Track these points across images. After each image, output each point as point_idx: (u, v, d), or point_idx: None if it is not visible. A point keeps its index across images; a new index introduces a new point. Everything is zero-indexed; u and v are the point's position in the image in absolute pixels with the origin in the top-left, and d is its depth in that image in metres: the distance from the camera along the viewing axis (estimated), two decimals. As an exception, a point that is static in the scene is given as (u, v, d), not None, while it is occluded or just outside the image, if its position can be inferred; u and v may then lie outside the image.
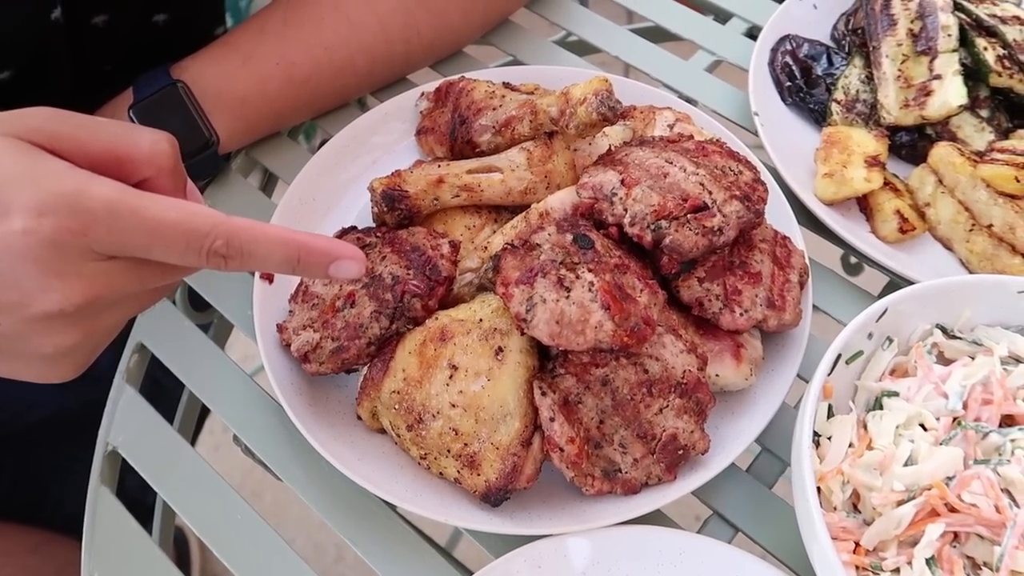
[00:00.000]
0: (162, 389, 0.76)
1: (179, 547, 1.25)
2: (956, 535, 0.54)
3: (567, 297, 0.55)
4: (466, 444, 0.58)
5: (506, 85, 0.77)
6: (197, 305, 0.78)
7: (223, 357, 0.71)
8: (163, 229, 0.46)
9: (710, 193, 0.61)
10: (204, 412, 0.86)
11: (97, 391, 0.81)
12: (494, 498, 0.57)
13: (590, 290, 0.56)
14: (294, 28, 0.78)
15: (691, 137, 0.68)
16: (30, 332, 0.47)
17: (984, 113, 0.76)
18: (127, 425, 0.68)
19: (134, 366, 0.71)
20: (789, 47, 0.83)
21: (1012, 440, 0.57)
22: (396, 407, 0.60)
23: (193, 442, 0.81)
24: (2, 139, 0.46)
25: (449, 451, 0.58)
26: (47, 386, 0.93)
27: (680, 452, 0.59)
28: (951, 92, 0.74)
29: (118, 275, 0.47)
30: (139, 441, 0.67)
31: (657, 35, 0.95)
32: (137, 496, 0.70)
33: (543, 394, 0.56)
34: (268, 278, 0.68)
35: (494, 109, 0.70)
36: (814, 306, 0.69)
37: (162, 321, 0.73)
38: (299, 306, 0.65)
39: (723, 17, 0.94)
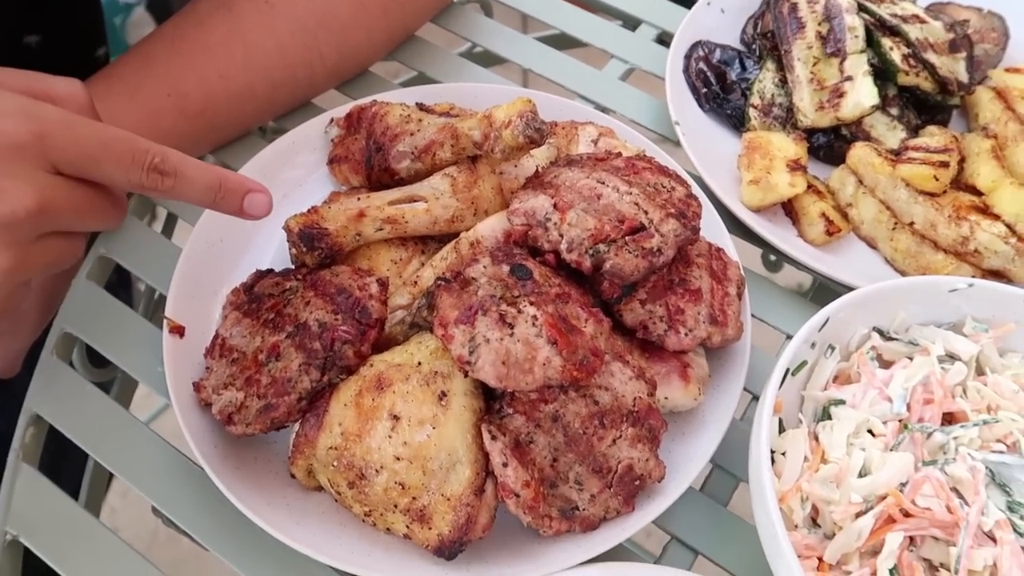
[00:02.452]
0: (61, 449, 0.69)
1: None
2: (912, 539, 0.55)
3: (511, 335, 0.52)
4: (414, 498, 0.54)
5: (420, 107, 0.74)
6: (96, 362, 0.71)
7: (134, 422, 0.65)
8: (111, 142, 0.50)
9: (646, 213, 0.59)
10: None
11: None
12: (448, 552, 0.54)
13: (534, 324, 0.53)
14: (184, 55, 0.72)
15: (619, 154, 0.66)
16: None
17: (894, 111, 0.78)
18: (27, 509, 0.61)
19: (30, 440, 0.64)
20: (702, 53, 0.83)
21: (955, 438, 0.57)
22: (335, 464, 0.55)
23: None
24: None
25: (396, 506, 0.54)
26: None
27: (637, 482, 0.57)
28: (863, 93, 0.75)
29: (64, 191, 0.49)
30: (42, 525, 0.60)
31: (566, 43, 0.93)
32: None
33: (493, 438, 0.53)
34: (178, 331, 0.63)
35: (411, 134, 0.67)
36: (751, 315, 0.68)
37: (59, 386, 0.66)
38: (217, 361, 0.60)
39: (632, 24, 0.93)
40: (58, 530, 0.60)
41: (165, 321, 0.62)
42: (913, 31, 0.78)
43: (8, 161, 0.46)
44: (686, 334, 0.59)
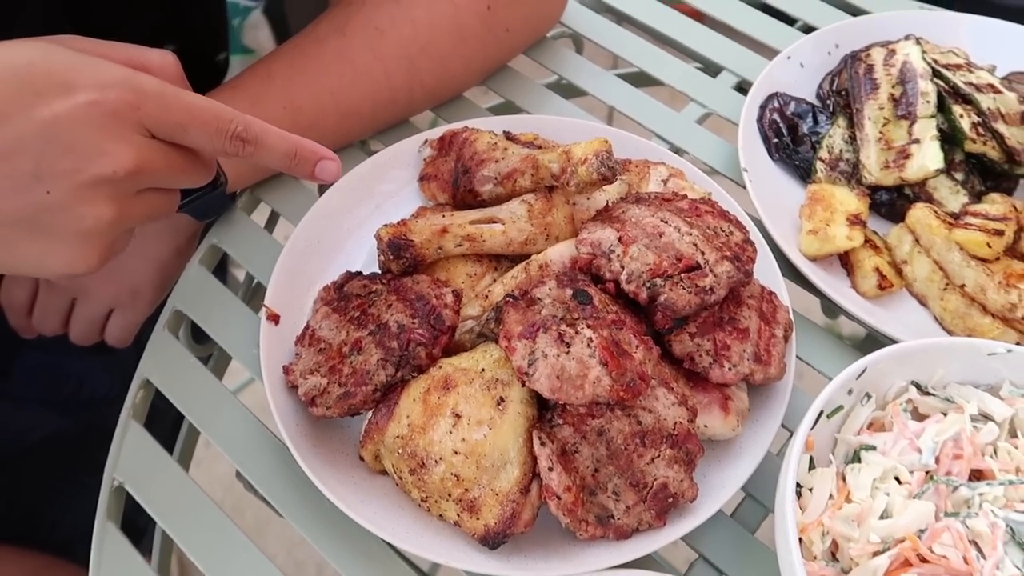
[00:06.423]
0: (158, 411, 0.78)
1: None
2: (926, 584, 0.58)
3: (567, 352, 0.58)
4: (467, 489, 0.60)
5: (507, 135, 0.80)
6: (199, 338, 0.80)
7: (226, 393, 0.73)
8: (198, 112, 0.55)
9: (703, 253, 0.64)
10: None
11: (95, 415, 0.82)
12: (492, 542, 0.60)
13: (589, 346, 0.59)
14: (300, 72, 0.81)
15: (685, 196, 0.71)
16: (76, 200, 0.52)
17: (959, 176, 0.80)
18: (132, 461, 0.70)
19: (140, 402, 0.73)
20: (777, 104, 0.87)
21: (980, 494, 0.60)
22: (399, 452, 0.62)
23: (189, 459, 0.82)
24: (50, 42, 0.53)
25: (450, 495, 0.61)
26: (47, 408, 0.94)
27: (670, 500, 0.62)
28: (929, 156, 0.78)
29: (158, 153, 0.55)
30: (143, 475, 0.69)
31: (648, 81, 0.98)
32: (131, 517, 0.71)
33: (542, 444, 0.59)
34: (274, 319, 0.71)
35: (496, 161, 0.73)
36: (796, 357, 0.72)
37: (167, 357, 0.75)
38: (306, 349, 0.68)
39: (714, 71, 0.98)
40: (154, 480, 0.69)
41: (264, 309, 0.71)
42: (985, 100, 0.80)
43: (110, 126, 0.52)
44: (730, 369, 0.64)
